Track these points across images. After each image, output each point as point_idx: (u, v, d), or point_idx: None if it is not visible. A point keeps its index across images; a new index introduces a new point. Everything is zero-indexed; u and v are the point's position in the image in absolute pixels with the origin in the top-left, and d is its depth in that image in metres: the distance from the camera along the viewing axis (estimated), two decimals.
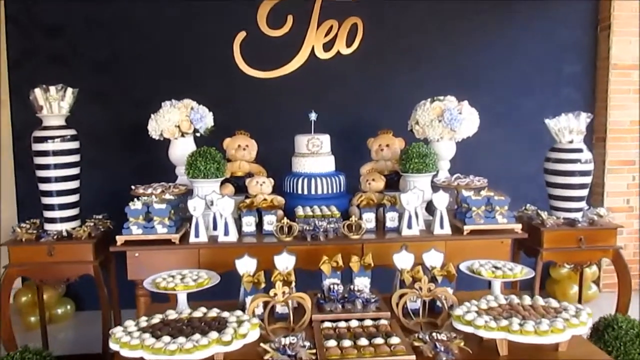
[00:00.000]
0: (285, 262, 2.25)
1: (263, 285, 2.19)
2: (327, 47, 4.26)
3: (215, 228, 2.84)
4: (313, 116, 3.27)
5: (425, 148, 3.10)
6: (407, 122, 3.48)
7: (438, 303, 2.23)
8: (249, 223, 2.87)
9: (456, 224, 2.95)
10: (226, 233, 2.74)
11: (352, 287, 2.26)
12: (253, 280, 2.18)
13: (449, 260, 2.73)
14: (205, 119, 3.24)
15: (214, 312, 2.00)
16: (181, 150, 3.23)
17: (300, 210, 2.97)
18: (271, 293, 2.10)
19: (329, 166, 3.27)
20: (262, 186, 3.11)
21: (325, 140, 3.26)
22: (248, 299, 2.17)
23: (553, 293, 4.27)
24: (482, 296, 2.11)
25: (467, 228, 2.84)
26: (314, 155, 3.23)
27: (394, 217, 2.94)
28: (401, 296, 2.16)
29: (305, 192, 3.18)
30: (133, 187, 3.11)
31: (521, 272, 2.37)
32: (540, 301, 2.07)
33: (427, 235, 2.87)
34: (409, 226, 2.83)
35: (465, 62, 4.34)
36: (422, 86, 3.92)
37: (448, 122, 3.24)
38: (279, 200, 3.18)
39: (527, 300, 2.08)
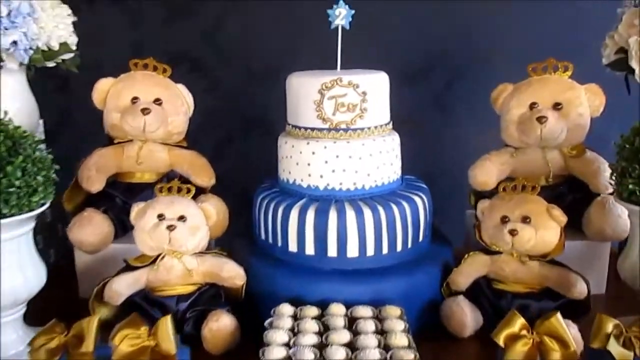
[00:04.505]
0: None
1: None
2: None
3: None
4: (340, 17, 1.09)
5: None
6: (599, 46, 1.24)
7: None
8: None
9: None
10: None
11: None
12: None
13: None
14: (28, 24, 1.11)
15: None
16: None
17: (276, 337, 0.86)
18: None
19: (383, 169, 1.10)
20: (173, 232, 1.01)
21: (373, 88, 1.08)
22: None
23: None
24: None
25: None
26: (339, 134, 1.07)
27: None
28: None
29: (313, 252, 1.06)
30: None
31: None
32: None
33: None
34: None
35: None
36: None
37: None
38: (235, 279, 1.06)
39: None
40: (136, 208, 1.04)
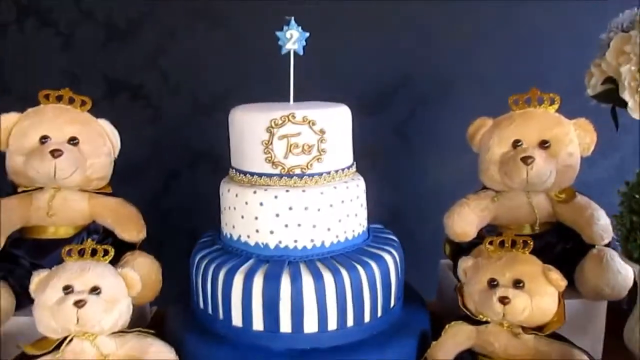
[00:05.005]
0: None
1: None
2: None
3: None
4: (292, 40, 0.92)
5: None
6: (580, 77, 1.08)
7: None
8: None
9: None
10: None
11: None
12: None
13: None
14: None
15: None
16: None
17: None
18: None
19: (346, 222, 0.92)
20: (82, 309, 0.79)
21: (333, 125, 0.91)
22: None
23: None
24: None
25: None
26: (293, 181, 0.89)
27: None
28: None
29: (262, 327, 0.86)
30: None
31: None
32: None
33: None
34: None
35: None
36: None
37: None
38: None
39: None
40: (37, 278, 0.82)
